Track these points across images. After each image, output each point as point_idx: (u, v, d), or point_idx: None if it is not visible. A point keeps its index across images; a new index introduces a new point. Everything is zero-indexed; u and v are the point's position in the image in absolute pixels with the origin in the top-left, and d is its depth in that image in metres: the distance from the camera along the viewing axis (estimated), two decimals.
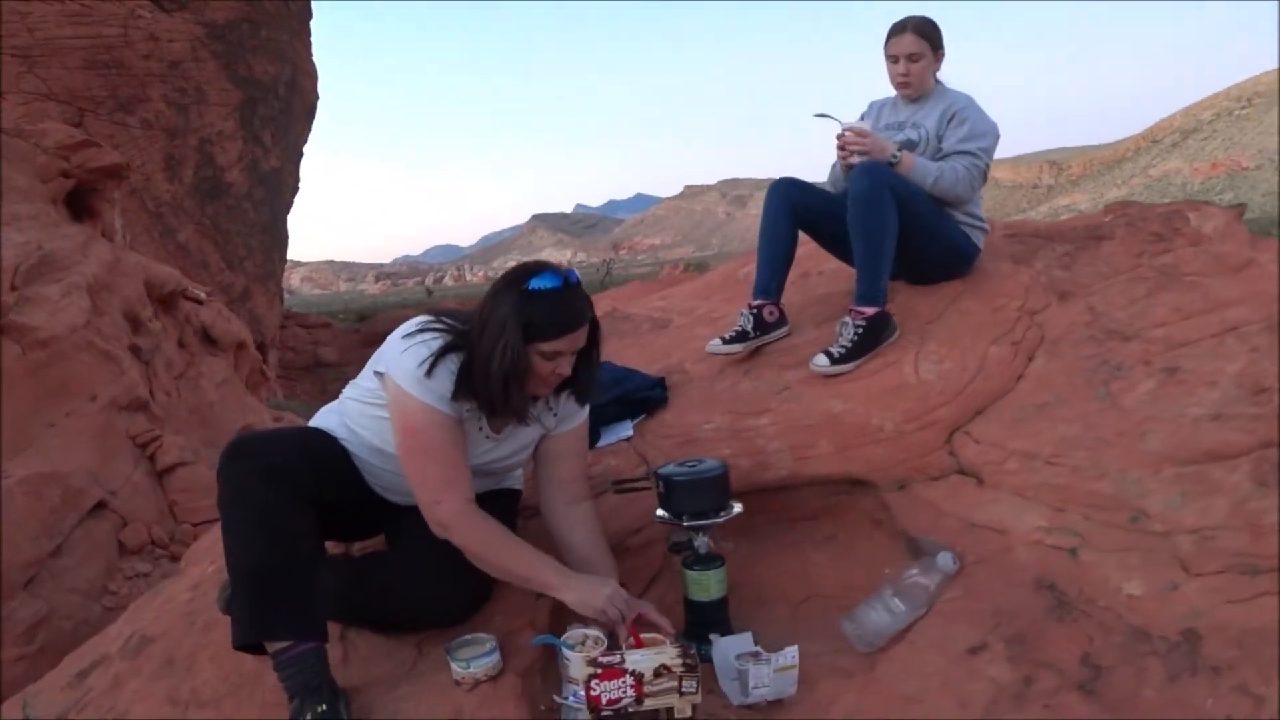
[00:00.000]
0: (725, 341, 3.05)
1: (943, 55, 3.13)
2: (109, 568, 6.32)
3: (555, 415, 2.29)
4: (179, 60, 18.30)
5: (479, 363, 2.04)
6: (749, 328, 3.06)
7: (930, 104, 3.12)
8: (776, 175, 3.27)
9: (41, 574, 5.90)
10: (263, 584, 1.96)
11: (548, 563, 2.10)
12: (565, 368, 2.09)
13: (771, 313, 3.10)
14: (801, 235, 3.17)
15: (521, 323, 2.00)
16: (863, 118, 3.31)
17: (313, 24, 23.21)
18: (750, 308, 3.10)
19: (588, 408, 2.35)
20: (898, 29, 3.10)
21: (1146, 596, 1.91)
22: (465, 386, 2.07)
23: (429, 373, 2.04)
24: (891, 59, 3.11)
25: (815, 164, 3.22)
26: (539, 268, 2.06)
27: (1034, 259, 3.30)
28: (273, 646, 1.98)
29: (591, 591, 2.05)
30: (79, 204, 9.34)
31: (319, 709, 1.90)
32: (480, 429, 2.21)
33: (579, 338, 2.08)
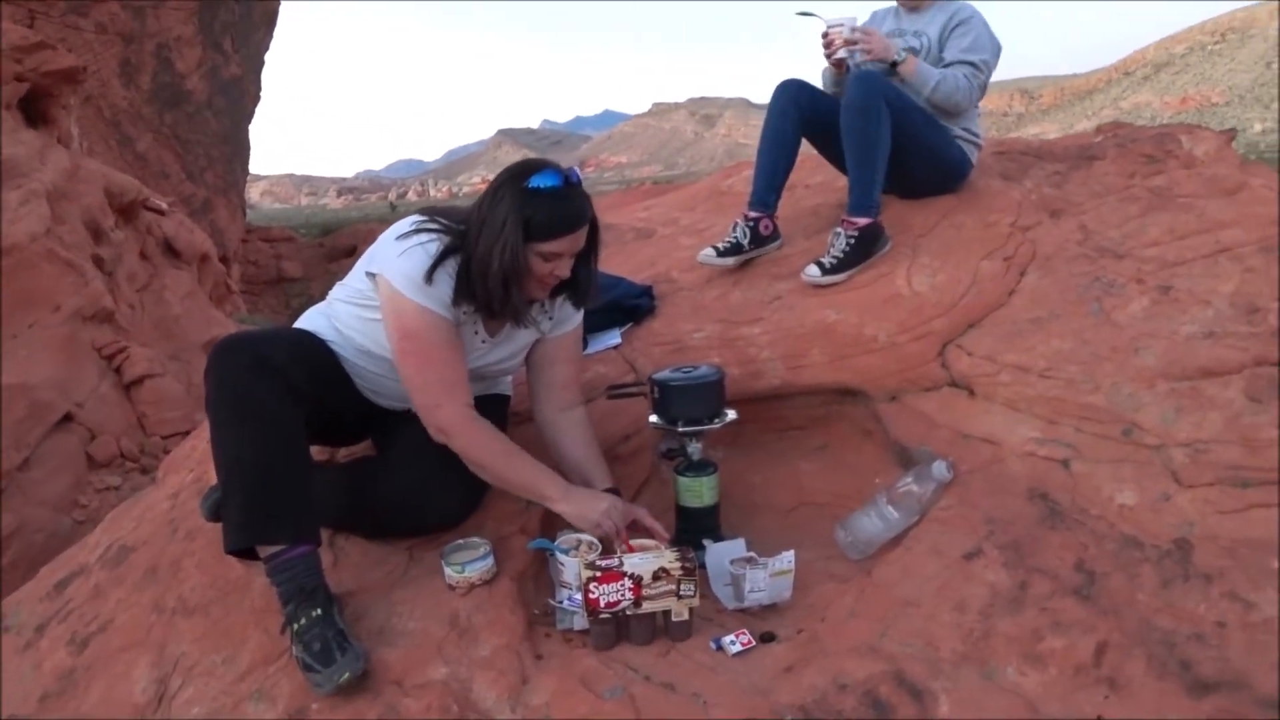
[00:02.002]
0: (719, 254, 3.00)
1: None
2: (78, 481, 6.26)
3: (550, 319, 2.25)
4: None
5: (478, 263, 1.98)
6: (744, 241, 3.01)
7: (933, 12, 3.05)
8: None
9: (10, 487, 5.83)
10: (257, 485, 1.88)
11: (547, 474, 2.08)
12: (564, 269, 2.04)
13: (767, 226, 3.05)
14: None
15: (521, 221, 1.94)
16: None
17: None
18: (747, 220, 3.04)
19: (582, 312, 2.31)
20: None
21: (1139, 507, 1.93)
22: (463, 288, 2.02)
23: (429, 278, 1.98)
24: None
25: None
26: (540, 165, 1.99)
27: (1024, 177, 3.27)
28: (265, 551, 1.92)
29: (589, 505, 2.04)
30: (33, 110, 9.00)
31: (314, 613, 1.85)
32: (476, 333, 2.16)
33: (579, 239, 2.03)
